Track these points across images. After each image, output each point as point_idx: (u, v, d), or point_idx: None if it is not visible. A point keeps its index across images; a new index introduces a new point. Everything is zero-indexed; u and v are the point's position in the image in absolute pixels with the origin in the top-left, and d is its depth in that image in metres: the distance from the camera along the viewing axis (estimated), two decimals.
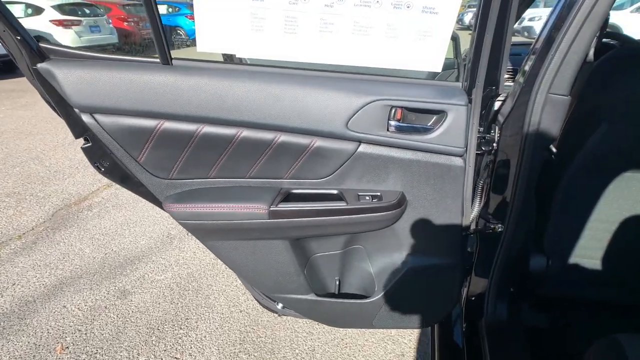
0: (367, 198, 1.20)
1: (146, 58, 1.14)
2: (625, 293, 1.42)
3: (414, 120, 1.13)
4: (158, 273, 2.64)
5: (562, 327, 1.52)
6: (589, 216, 1.32)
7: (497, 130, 1.23)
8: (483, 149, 1.19)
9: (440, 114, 1.09)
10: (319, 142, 1.13)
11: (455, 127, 1.08)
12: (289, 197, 1.22)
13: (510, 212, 1.23)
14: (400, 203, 1.20)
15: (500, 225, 1.30)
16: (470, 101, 1.08)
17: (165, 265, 2.72)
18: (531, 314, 1.56)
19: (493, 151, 1.22)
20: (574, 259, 1.39)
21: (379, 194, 1.21)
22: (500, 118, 1.26)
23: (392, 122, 1.11)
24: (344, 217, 1.20)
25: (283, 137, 1.13)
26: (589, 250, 1.35)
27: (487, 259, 1.38)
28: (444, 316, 1.46)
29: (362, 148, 1.14)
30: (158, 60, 1.11)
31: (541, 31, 1.21)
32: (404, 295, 1.39)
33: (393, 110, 1.10)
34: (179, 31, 15.33)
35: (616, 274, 1.37)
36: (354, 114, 1.09)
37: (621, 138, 1.20)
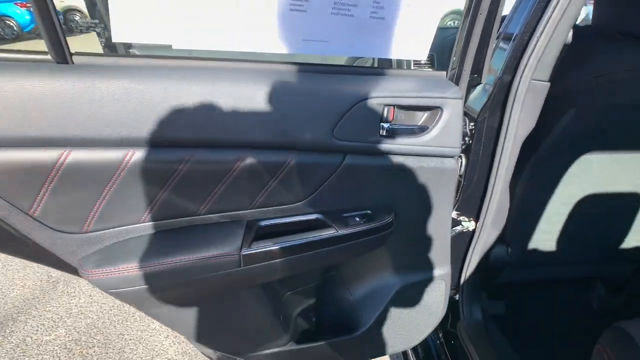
0: (357, 219, 0.98)
1: (28, 54, 0.76)
2: (580, 269, 1.52)
3: (403, 120, 0.95)
4: (45, 332, 2.07)
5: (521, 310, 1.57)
6: (549, 200, 1.31)
7: (468, 123, 1.11)
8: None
9: (434, 110, 0.93)
10: (295, 159, 0.87)
11: (452, 125, 0.94)
12: (262, 233, 0.94)
13: (487, 209, 1.15)
14: (394, 220, 1.01)
15: (473, 223, 1.20)
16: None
17: (54, 319, 2.15)
18: (489, 303, 1.54)
19: (466, 145, 1.13)
20: (533, 243, 1.38)
21: (369, 211, 0.99)
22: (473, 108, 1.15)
23: (386, 125, 0.91)
24: (334, 246, 0.96)
25: (249, 157, 0.85)
26: (547, 233, 1.36)
27: (456, 259, 1.29)
28: (434, 328, 1.33)
29: (349, 159, 0.92)
30: (49, 56, 0.74)
31: (510, 15, 1.12)
32: (394, 318, 1.21)
33: (386, 110, 0.89)
34: (8, 22, 12.87)
35: (571, 252, 1.41)
36: (341, 118, 0.85)
37: (588, 121, 1.17)
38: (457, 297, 1.38)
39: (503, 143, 1.05)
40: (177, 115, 0.77)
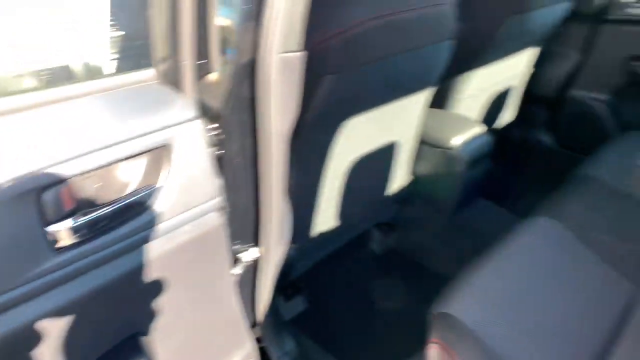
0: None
1: None
2: (358, 227, 1.56)
3: (96, 194, 0.56)
4: None
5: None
6: (320, 178, 1.16)
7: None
8: None
9: (158, 151, 0.58)
10: None
11: (196, 164, 0.63)
12: None
13: (268, 228, 0.90)
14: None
15: (255, 250, 0.97)
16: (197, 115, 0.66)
17: None
18: (288, 306, 1.44)
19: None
20: (315, 227, 1.27)
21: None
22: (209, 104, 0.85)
23: (57, 229, 0.55)
24: None
25: None
26: (325, 211, 1.27)
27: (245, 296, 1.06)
28: None
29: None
30: None
31: None
32: None
33: (50, 197, 0.53)
34: None
35: (348, 217, 1.37)
36: None
37: (347, 84, 0.99)
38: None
39: (266, 142, 0.77)
40: None
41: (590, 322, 0.87)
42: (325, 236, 1.33)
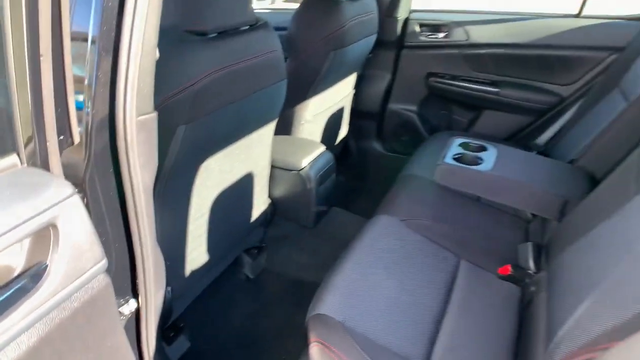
0: None
1: None
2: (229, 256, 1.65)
3: None
4: None
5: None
6: (187, 221, 1.24)
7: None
8: None
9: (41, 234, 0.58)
10: None
11: (79, 236, 0.63)
12: None
13: (144, 279, 0.91)
14: None
15: (133, 302, 0.95)
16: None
17: None
18: (172, 348, 1.43)
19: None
20: (188, 265, 1.33)
21: None
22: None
23: None
24: None
25: None
26: (193, 254, 1.34)
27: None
28: None
29: None
30: None
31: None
32: None
33: None
34: None
35: (218, 249, 1.44)
36: None
37: (198, 132, 1.08)
38: None
39: (133, 198, 0.79)
40: None
41: (429, 289, 1.12)
42: (199, 272, 1.38)
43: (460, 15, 2.18)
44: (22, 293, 0.53)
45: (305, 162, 1.61)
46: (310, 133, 1.93)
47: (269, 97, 1.29)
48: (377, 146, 2.40)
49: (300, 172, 1.61)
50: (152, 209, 0.85)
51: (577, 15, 1.98)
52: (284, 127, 1.80)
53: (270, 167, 1.60)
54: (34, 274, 0.54)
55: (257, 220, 1.61)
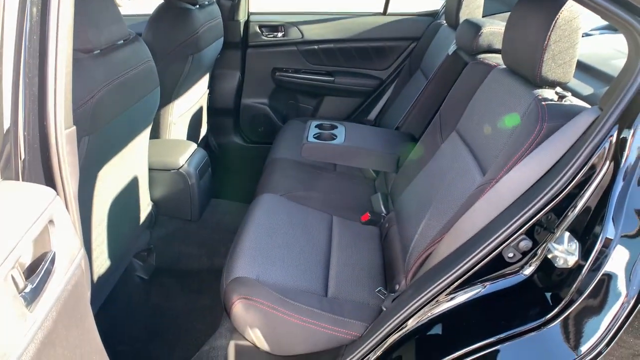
0: None
1: None
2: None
3: None
4: None
5: None
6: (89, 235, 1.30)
7: None
8: None
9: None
10: None
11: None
12: None
13: None
14: None
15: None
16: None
17: None
18: None
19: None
20: (95, 275, 1.37)
21: None
22: None
23: None
24: None
25: None
26: (96, 263, 1.38)
27: None
28: None
29: None
30: None
31: None
32: None
33: None
34: None
35: (114, 264, 1.49)
36: None
37: (92, 145, 1.13)
38: None
39: (66, 207, 0.84)
40: None
41: (316, 241, 1.40)
42: (103, 279, 1.43)
43: (292, 16, 2.50)
44: (48, 275, 0.64)
45: (182, 160, 1.74)
46: (177, 134, 2.04)
47: (148, 104, 1.40)
48: (236, 139, 2.60)
49: (180, 170, 1.73)
50: (78, 217, 0.93)
51: (384, 13, 2.48)
52: (153, 131, 1.88)
53: (147, 170, 1.69)
54: (50, 259, 0.66)
55: (143, 223, 1.69)
